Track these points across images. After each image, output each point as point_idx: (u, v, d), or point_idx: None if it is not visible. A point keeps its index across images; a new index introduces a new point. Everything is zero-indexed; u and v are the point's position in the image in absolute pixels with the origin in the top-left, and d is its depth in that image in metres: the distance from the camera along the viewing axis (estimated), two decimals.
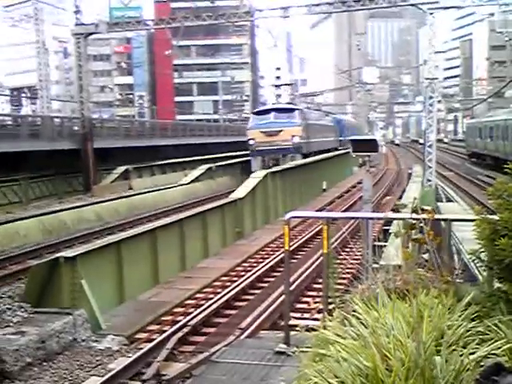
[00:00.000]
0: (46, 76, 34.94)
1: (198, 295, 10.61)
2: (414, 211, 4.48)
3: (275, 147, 28.24)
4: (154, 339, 8.22)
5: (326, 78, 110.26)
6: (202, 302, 10.05)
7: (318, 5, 26.55)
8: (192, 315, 9.09)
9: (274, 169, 22.29)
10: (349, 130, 52.40)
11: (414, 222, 4.41)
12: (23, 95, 45.10)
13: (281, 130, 28.56)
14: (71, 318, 8.28)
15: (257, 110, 33.33)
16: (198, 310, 9.34)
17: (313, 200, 24.16)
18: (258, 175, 19.40)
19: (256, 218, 18.04)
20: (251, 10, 31.20)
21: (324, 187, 27.94)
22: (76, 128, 29.43)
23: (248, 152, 30.19)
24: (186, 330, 8.47)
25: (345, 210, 19.79)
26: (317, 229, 15.76)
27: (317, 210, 18.59)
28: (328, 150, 37.10)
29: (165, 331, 8.49)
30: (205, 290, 10.92)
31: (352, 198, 24.40)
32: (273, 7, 27.61)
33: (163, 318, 9.29)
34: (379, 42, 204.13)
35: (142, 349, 7.87)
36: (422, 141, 51.57)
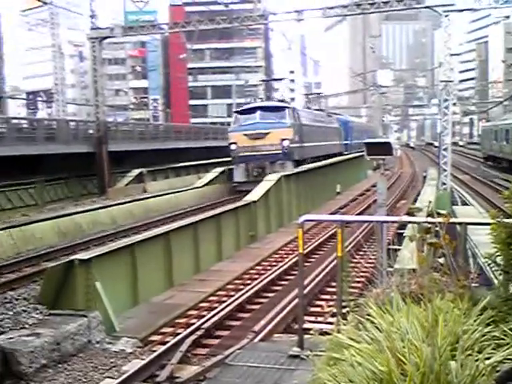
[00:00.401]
0: (61, 80, 35.25)
1: (211, 298, 10.61)
2: (430, 215, 4.45)
3: (261, 153, 24.57)
4: (167, 342, 8.23)
5: (340, 80, 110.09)
6: (216, 304, 10.05)
7: (332, 8, 26.52)
8: (206, 318, 9.09)
9: (288, 171, 22.08)
10: (357, 133, 48.07)
11: (429, 225, 4.38)
12: (39, 99, 45.54)
13: (268, 133, 24.69)
14: (86, 320, 8.32)
15: (241, 108, 28.87)
16: (212, 313, 9.34)
17: (326, 203, 24.09)
18: (271, 178, 19.36)
19: (270, 221, 18.03)
20: (265, 14, 31.26)
21: (338, 190, 27.84)
22: (91, 131, 29.65)
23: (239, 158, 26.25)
24: (199, 332, 8.47)
25: (359, 214, 19.72)
26: (330, 232, 15.73)
27: (330, 213, 18.55)
28: (328, 156, 32.34)
29: (179, 334, 8.50)
30: (218, 293, 10.92)
31: (366, 201, 24.29)
32: (287, 10, 27.57)
33: (177, 321, 9.31)
34: (394, 45, 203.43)
35: (155, 351, 7.89)
36: (436, 144, 49.25)
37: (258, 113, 25.72)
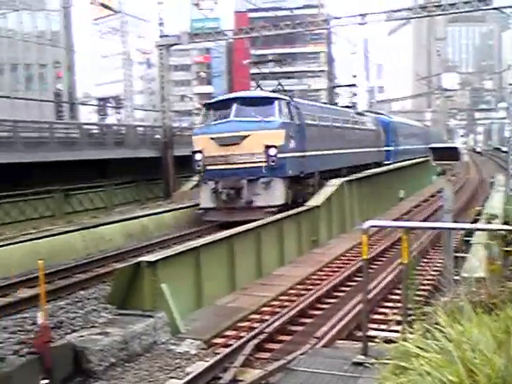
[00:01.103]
0: (129, 86, 36.29)
1: (273, 302, 10.65)
2: (506, 222, 4.35)
3: (235, 166, 16.85)
4: (230, 344, 8.33)
5: (404, 84, 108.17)
6: (278, 309, 10.09)
7: (397, 11, 26.13)
8: (268, 322, 9.14)
9: (351, 177, 21.66)
10: (407, 137, 38.75)
11: (505, 233, 4.28)
12: (108, 105, 47.26)
13: (246, 136, 16.80)
14: (152, 320, 8.54)
15: (213, 100, 20.93)
16: (274, 318, 9.39)
17: (389, 209, 23.72)
18: (334, 183, 19.24)
19: (332, 226, 17.93)
20: (328, 18, 31.13)
21: (401, 196, 27.33)
22: (157, 136, 30.35)
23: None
24: (262, 336, 8.53)
25: (423, 220, 19.32)
26: (394, 238, 15.49)
27: (394, 220, 18.26)
28: (356, 168, 24.18)
29: (241, 337, 8.59)
30: (280, 298, 10.96)
31: (431, 207, 23.76)
32: (351, 14, 27.36)
33: (240, 324, 9.39)
34: (460, 47, 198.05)
35: (219, 354, 8.00)
36: (505, 149, 46.73)
37: (234, 107, 17.46)
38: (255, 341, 8.30)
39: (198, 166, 17.56)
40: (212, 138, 17.22)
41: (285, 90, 21.41)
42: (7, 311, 9.23)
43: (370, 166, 27.12)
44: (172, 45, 28.59)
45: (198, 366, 7.62)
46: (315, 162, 19.64)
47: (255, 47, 46.01)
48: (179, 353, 8.28)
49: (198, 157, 17.56)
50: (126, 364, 7.76)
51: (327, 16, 35.24)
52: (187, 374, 7.37)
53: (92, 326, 8.23)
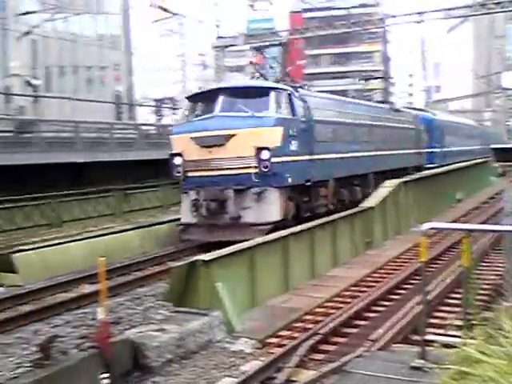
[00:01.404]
0: (186, 87, 36.85)
1: (327, 304, 10.60)
2: None
3: (219, 173, 13.94)
4: (284, 345, 8.36)
5: (463, 83, 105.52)
6: (332, 310, 10.04)
7: (455, 8, 25.59)
8: (322, 323, 9.12)
9: (407, 177, 21.18)
10: (455, 137, 34.52)
11: None
12: (164, 106, 48.21)
13: (231, 136, 13.75)
14: (208, 318, 8.67)
15: (199, 90, 17.66)
16: (328, 319, 9.35)
17: (447, 211, 23.20)
18: (390, 184, 18.97)
19: (387, 227, 17.70)
20: (384, 17, 30.74)
21: (459, 197, 26.67)
22: None
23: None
24: (316, 337, 8.51)
25: (482, 223, 18.81)
26: (452, 240, 15.17)
27: (451, 222, 17.86)
28: (388, 173, 21.04)
29: (295, 338, 8.60)
30: (334, 299, 10.90)
31: (490, 209, 23.10)
32: (407, 13, 26.95)
33: (294, 325, 9.40)
34: None
35: (273, 353, 8.04)
36: None
37: (221, 100, 14.40)
38: (309, 342, 8.29)
39: (178, 172, 14.40)
40: (192, 138, 14.10)
41: (292, 81, 18.22)
42: (69, 306, 9.55)
43: (407, 170, 23.84)
44: (228, 46, 28.90)
45: (252, 365, 7.68)
46: (328, 167, 16.57)
47: (310, 47, 45.81)
48: (234, 351, 8.36)
49: (176, 161, 14.43)
50: (183, 361, 7.89)
51: (383, 15, 34.77)
52: (242, 372, 7.43)
53: (150, 323, 8.42)
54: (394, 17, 28.03)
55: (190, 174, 14.36)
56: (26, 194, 19.64)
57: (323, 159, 16.21)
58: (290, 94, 15.08)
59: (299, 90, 16.22)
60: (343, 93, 23.69)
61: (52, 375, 6.39)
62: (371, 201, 17.24)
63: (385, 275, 12.64)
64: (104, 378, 6.72)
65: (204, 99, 15.26)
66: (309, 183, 15.38)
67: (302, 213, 15.31)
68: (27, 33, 31.00)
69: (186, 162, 14.32)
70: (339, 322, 9.25)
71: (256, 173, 13.68)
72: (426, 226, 5.69)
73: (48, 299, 10.26)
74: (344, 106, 19.48)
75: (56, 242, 12.92)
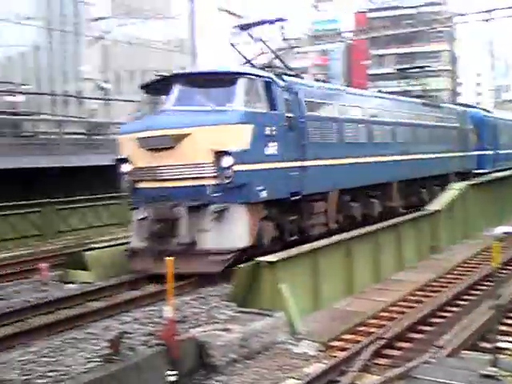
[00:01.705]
0: None
1: (391, 308, 10.45)
2: None
3: (167, 185, 10.94)
4: (348, 348, 8.30)
5: None
6: (396, 315, 9.90)
7: None
8: (386, 328, 8.99)
9: (475, 180, 20.37)
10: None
11: None
12: None
13: (183, 136, 10.65)
14: (271, 319, 8.72)
15: (154, 79, 12.78)
16: (393, 323, 9.22)
17: None
18: (456, 187, 18.43)
19: (454, 231, 17.25)
20: (452, 15, 30.02)
21: None
22: None
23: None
24: (380, 342, 8.40)
25: None
26: None
27: None
28: (412, 184, 18.48)
29: (359, 341, 8.52)
30: (399, 303, 10.73)
31: None
32: (476, 11, 26.22)
33: (357, 328, 9.32)
34: None
35: (336, 357, 8.00)
36: None
37: (177, 90, 11.40)
38: (373, 346, 8.20)
39: (126, 182, 11.44)
40: (138, 139, 11.00)
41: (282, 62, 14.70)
42: (137, 303, 9.80)
43: (447, 177, 20.81)
44: (293, 47, 28.95)
45: (316, 368, 7.67)
46: (328, 175, 13.55)
47: (374, 47, 45.25)
48: (297, 353, 8.37)
49: (123, 168, 11.45)
50: (246, 361, 7.96)
51: (450, 13, 33.95)
52: (306, 375, 7.43)
53: (215, 322, 8.54)
54: (463, 15, 27.31)
55: (139, 186, 11.30)
56: (92, 195, 20.35)
57: (320, 166, 13.18)
58: (267, 83, 11.82)
59: (286, 78, 12.85)
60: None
61: (121, 370, 6.60)
62: (437, 203, 16.88)
63: (452, 280, 12.34)
64: (171, 375, 6.88)
65: (161, 90, 11.95)
66: (296, 197, 12.25)
67: (287, 235, 12.29)
68: (99, 38, 32.08)
69: (135, 169, 11.26)
70: (404, 326, 9.11)
71: (215, 185, 10.61)
72: (499, 230, 5.55)
73: (118, 296, 10.56)
74: (353, 100, 16.01)
75: (125, 240, 13.25)
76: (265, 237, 11.53)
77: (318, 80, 17.96)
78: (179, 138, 10.60)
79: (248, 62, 13.87)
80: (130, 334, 7.79)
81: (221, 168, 10.55)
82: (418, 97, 22.15)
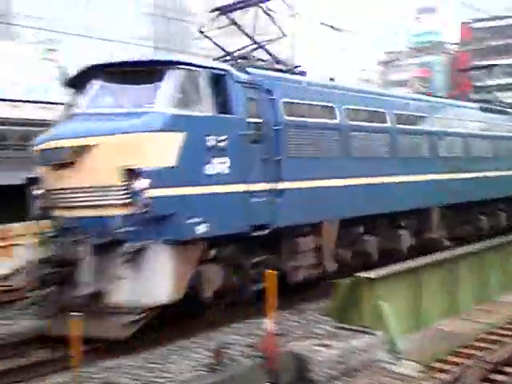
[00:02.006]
0: None
1: (497, 330, 10.07)
2: None
3: (68, 214, 8.37)
4: (450, 370, 8.08)
5: None
6: (502, 338, 9.51)
7: None
8: (491, 351, 8.67)
9: None
10: None
11: None
12: None
13: (87, 149, 7.92)
14: (371, 337, 8.66)
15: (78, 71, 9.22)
16: (498, 346, 8.87)
17: None
18: None
19: None
20: None
21: None
22: None
23: None
24: (485, 366, 8.12)
25: None
26: None
27: None
28: (458, 209, 14.81)
29: (461, 364, 8.28)
30: (505, 326, 10.31)
31: None
32: None
33: (459, 350, 9.05)
34: None
35: (437, 378, 7.82)
36: None
37: (95, 86, 8.79)
38: (478, 370, 7.94)
39: (36, 208, 8.90)
40: (40, 152, 8.68)
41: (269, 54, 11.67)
42: (239, 316, 9.96)
43: (498, 202, 16.83)
44: (393, 60, 28.59)
45: None
46: (321, 200, 10.42)
47: (478, 58, 43.65)
48: (397, 373, 8.25)
49: (34, 191, 8.90)
50: (345, 377, 7.95)
51: None
52: None
53: (313, 337, 8.61)
54: None
55: (54, 213, 8.76)
56: None
57: (306, 189, 10.09)
58: (218, 76, 8.98)
59: (252, 70, 9.87)
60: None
61: (224, 380, 6.84)
62: None
63: None
64: None
65: (83, 85, 9.04)
66: (262, 232, 9.22)
67: (250, 286, 9.31)
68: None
69: (46, 192, 8.71)
70: (511, 350, 8.74)
71: (127, 215, 7.90)
72: None
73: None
74: (364, 101, 12.13)
75: None
76: (207, 287, 8.63)
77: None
78: (80, 152, 7.98)
79: (228, 54, 11.29)
80: (231, 344, 8.01)
81: (133, 193, 7.79)
82: (482, 101, 18.54)
